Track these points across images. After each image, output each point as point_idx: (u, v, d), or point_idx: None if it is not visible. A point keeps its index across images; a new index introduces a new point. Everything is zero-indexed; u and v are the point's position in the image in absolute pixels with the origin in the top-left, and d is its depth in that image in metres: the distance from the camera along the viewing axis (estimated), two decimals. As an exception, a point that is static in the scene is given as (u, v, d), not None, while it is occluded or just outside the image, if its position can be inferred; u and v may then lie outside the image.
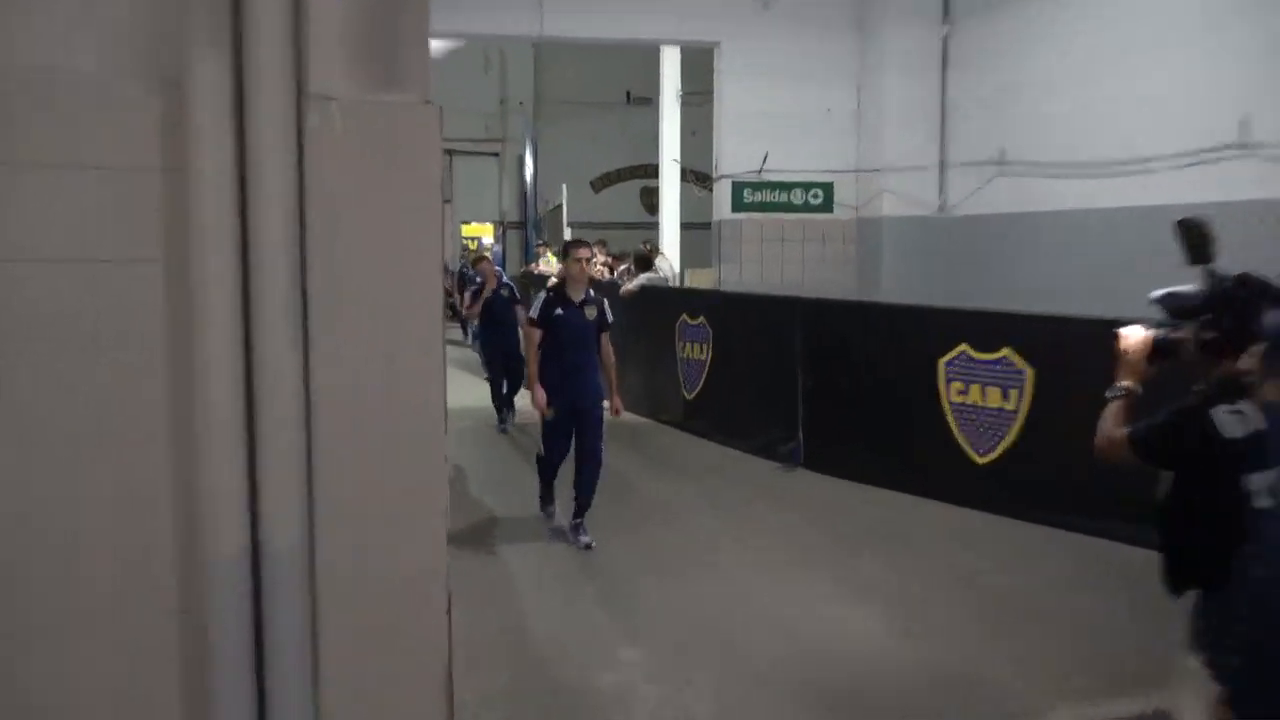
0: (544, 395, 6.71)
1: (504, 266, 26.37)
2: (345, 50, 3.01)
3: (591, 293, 7.11)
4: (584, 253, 6.99)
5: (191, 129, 2.81)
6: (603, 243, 15.49)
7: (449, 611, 3.39)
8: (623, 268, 13.23)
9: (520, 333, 8.65)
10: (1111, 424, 3.02)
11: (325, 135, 3.11)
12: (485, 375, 11.61)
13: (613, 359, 7.05)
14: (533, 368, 6.86)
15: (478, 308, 11.17)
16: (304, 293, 3.18)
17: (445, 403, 3.51)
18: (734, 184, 12.40)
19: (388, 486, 3.33)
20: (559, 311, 6.91)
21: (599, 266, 14.08)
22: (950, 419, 7.76)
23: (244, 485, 3.02)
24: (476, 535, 7.08)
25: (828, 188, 12.55)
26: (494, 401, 10.54)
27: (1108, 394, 3.03)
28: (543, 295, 7.07)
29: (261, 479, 3.03)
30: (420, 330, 3.36)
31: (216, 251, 2.89)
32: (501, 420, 10.27)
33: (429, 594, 3.27)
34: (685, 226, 14.47)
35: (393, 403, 3.32)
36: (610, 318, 7.06)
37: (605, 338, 7.02)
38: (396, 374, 3.30)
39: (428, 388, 3.37)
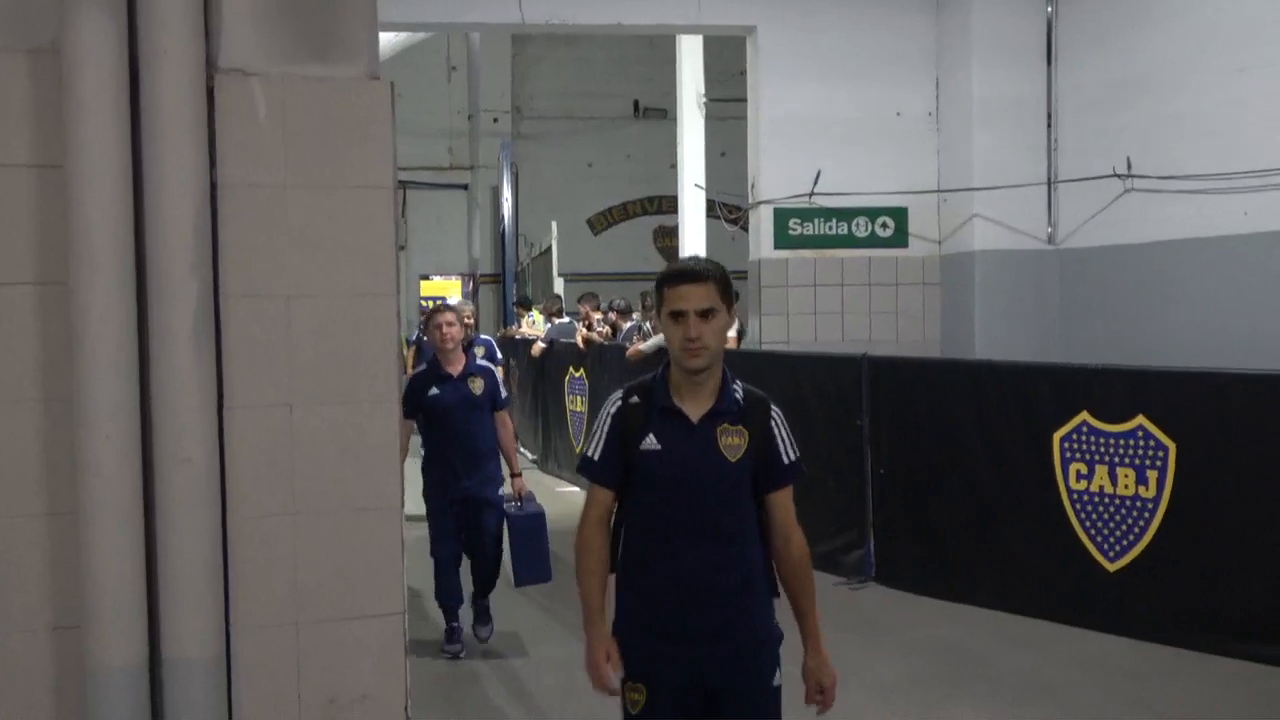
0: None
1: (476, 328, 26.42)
2: (266, 14, 3.15)
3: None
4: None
5: (71, 112, 2.94)
6: (593, 295, 15.66)
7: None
8: (630, 325, 13.35)
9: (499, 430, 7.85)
10: None
11: (241, 118, 3.24)
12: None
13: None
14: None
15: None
16: (217, 320, 3.28)
17: (401, 474, 3.59)
18: (776, 212, 12.55)
19: (330, 584, 3.40)
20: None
21: (596, 328, 14.25)
22: (1070, 512, 7.77)
23: (139, 574, 3.10)
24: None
25: (900, 215, 12.68)
26: (442, 594, 7.67)
27: None
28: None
29: (163, 568, 3.10)
30: (371, 373, 3.45)
31: (104, 270, 3.00)
32: (451, 635, 7.63)
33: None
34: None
35: (336, 469, 3.40)
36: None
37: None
38: (337, 434, 3.39)
39: (380, 452, 3.45)
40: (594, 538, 3.68)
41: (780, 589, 3.88)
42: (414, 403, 7.35)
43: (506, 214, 24.21)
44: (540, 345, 14.74)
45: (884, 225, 12.70)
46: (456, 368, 7.46)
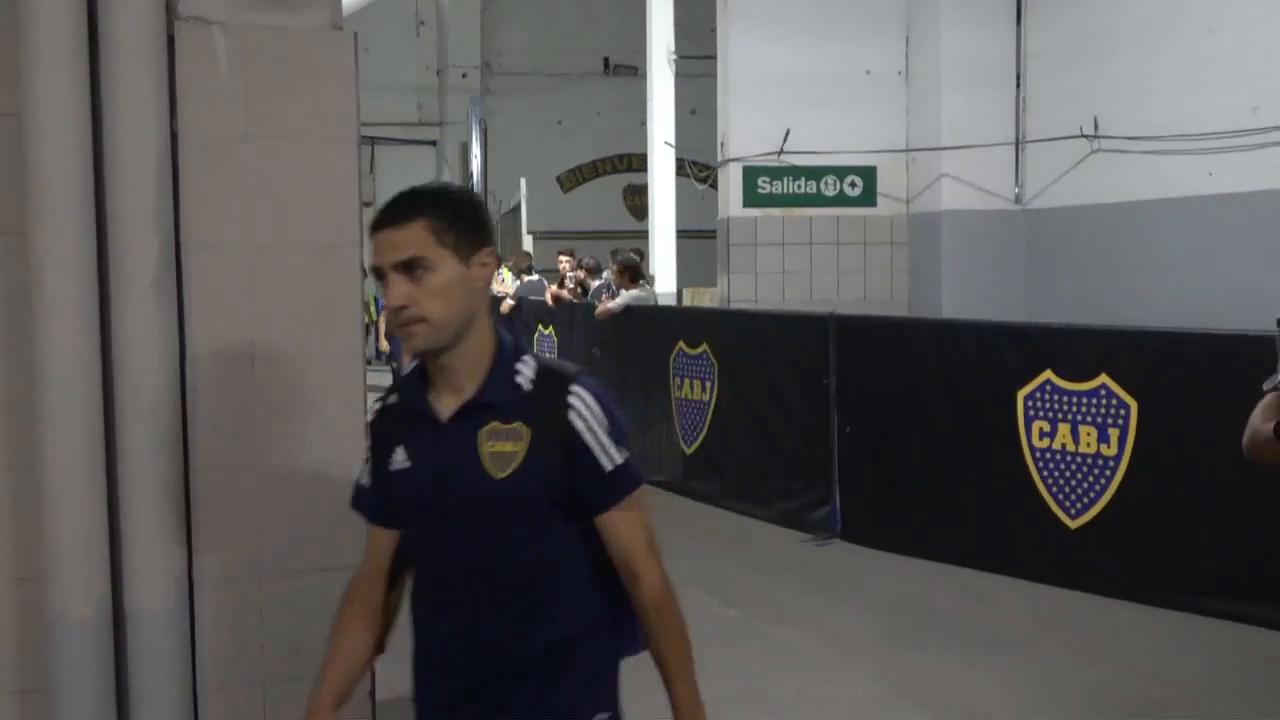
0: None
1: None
2: (229, -39, 3.12)
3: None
4: None
5: (28, 59, 2.90)
6: (570, 253, 15.64)
7: (372, 694, 3.44)
8: (599, 283, 13.33)
9: None
10: (1261, 418, 3.10)
11: (202, 66, 3.21)
12: None
13: None
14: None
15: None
16: (179, 271, 3.26)
17: (365, 426, 3.58)
18: (746, 170, 12.54)
19: (293, 536, 3.40)
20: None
21: (567, 285, 14.21)
22: (1033, 469, 7.82)
23: (102, 525, 3.09)
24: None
25: (869, 174, 12.69)
26: None
27: (1265, 385, 3.13)
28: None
29: (125, 520, 3.09)
30: (335, 326, 3.44)
31: (62, 219, 2.97)
32: None
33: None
34: (684, 234, 14.59)
35: (299, 421, 3.39)
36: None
37: None
38: (300, 386, 3.37)
39: (345, 396, 3.45)
40: (353, 589, 2.67)
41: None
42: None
43: (475, 171, 24.06)
44: (509, 303, 14.69)
45: (852, 184, 12.70)
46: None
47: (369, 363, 21.16)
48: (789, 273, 12.60)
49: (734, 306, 12.25)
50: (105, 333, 2.99)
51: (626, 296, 11.49)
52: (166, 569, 3.08)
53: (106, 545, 3.01)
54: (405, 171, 26.00)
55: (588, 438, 2.47)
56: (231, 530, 3.20)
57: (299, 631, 3.22)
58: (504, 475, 2.41)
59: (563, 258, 15.24)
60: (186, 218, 3.11)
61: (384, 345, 14.16)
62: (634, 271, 11.76)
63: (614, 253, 12.75)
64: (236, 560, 3.21)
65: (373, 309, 23.00)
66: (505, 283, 16.89)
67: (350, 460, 3.33)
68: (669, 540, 3.73)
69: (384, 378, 19.66)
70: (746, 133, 12.50)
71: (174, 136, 3.06)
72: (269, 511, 3.23)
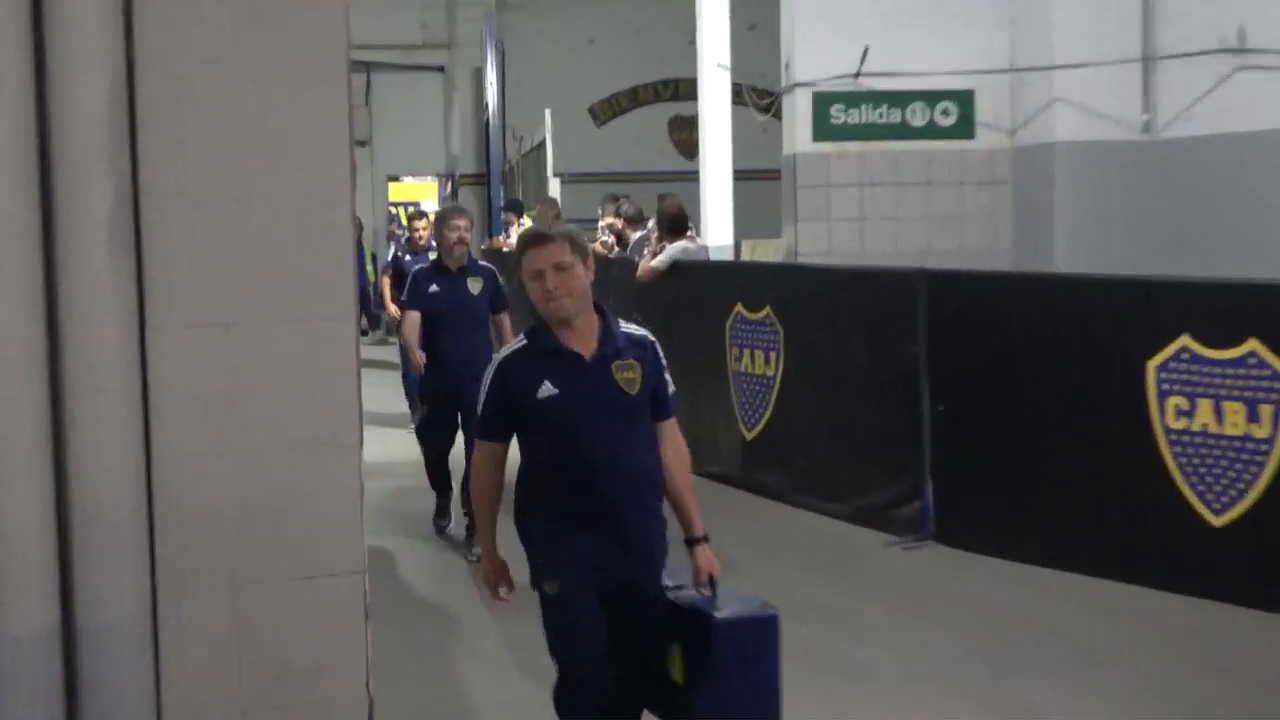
0: (422, 356, 9.27)
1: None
2: None
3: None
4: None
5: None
6: (614, 199, 15.62)
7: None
8: (640, 234, 13.33)
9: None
10: None
11: (163, -20, 3.24)
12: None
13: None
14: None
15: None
16: (137, 225, 3.30)
17: (359, 407, 3.63)
18: (816, 97, 12.50)
19: (276, 536, 3.45)
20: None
21: (602, 237, 14.21)
22: (1167, 456, 7.80)
23: (49, 523, 3.14)
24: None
25: (965, 99, 12.62)
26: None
27: None
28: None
29: (77, 517, 3.15)
30: (324, 289, 3.48)
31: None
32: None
33: (346, 676, 3.40)
34: (742, 175, 14.54)
35: (283, 401, 3.44)
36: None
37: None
38: (284, 359, 3.42)
39: (336, 382, 3.49)
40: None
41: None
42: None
43: (491, 102, 24.08)
44: (654, 266, 14.73)
45: (945, 112, 12.63)
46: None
47: (364, 334, 21.23)
48: (868, 219, 12.56)
49: (803, 261, 12.23)
50: (51, 297, 3.04)
51: (673, 250, 11.49)
52: (126, 574, 3.14)
53: (54, 547, 3.07)
54: (408, 105, 26.02)
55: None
56: (203, 528, 3.25)
57: (284, 651, 3.28)
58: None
59: (606, 213, 15.23)
60: (146, 162, 3.15)
61: (391, 310, 14.27)
62: (675, 222, 11.75)
63: (662, 198, 12.74)
64: (209, 564, 3.26)
65: (371, 268, 23.10)
66: (528, 237, 16.95)
67: (347, 443, 3.38)
68: (729, 543, 3.80)
69: (381, 353, 19.80)
70: (817, 52, 12.46)
71: (130, 66, 3.10)
72: (247, 506, 3.28)
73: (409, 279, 9.60)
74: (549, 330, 4.74)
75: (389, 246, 26.89)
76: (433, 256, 10.45)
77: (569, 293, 4.65)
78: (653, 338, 4.94)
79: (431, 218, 12.59)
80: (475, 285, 9.28)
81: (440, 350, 9.22)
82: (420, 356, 9.31)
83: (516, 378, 4.70)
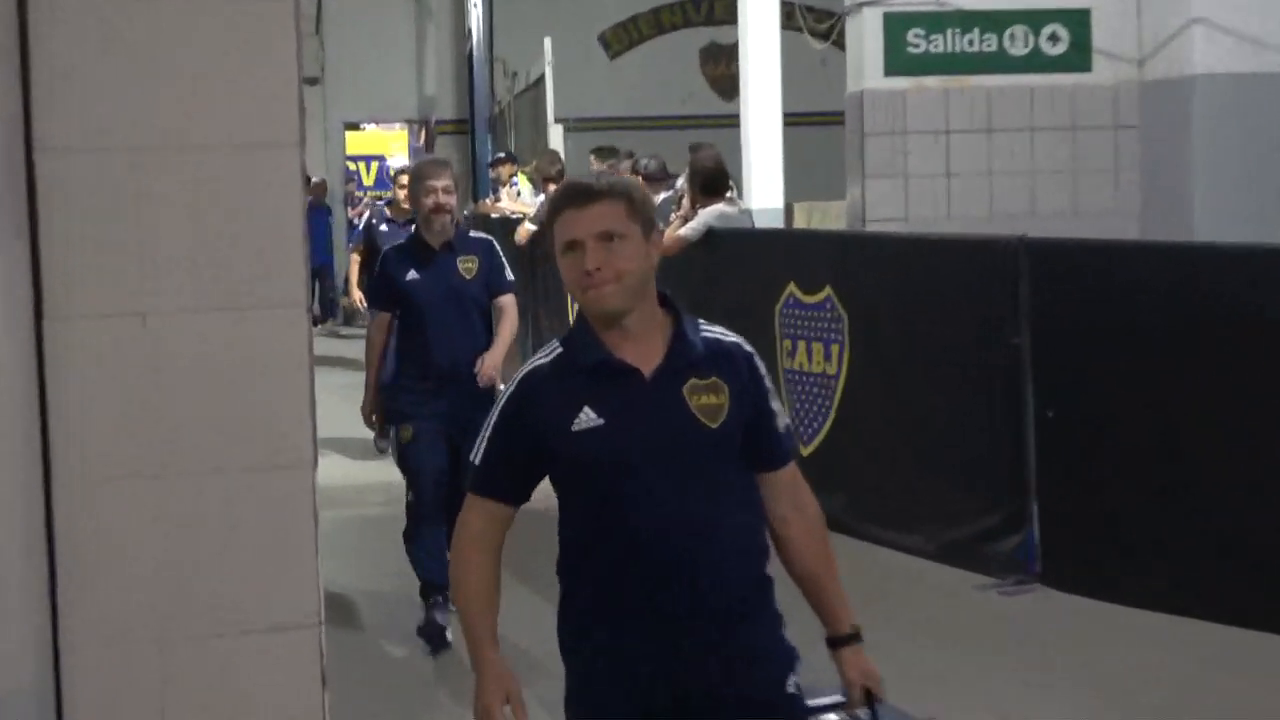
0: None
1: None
2: None
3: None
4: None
5: None
6: (629, 156, 15.62)
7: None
8: (665, 196, 13.34)
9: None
10: None
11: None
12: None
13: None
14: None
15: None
16: (31, 186, 3.30)
17: (313, 418, 3.64)
18: (888, 20, 12.50)
19: (210, 580, 3.45)
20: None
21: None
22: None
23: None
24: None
25: (1079, 21, 12.62)
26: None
27: None
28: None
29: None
30: (266, 266, 3.47)
31: None
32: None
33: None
34: (795, 120, 14.55)
35: (216, 410, 3.44)
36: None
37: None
38: (217, 358, 3.43)
39: (283, 386, 3.48)
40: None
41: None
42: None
43: (476, 30, 24.10)
44: (529, 227, 14.76)
45: (1053, 38, 12.63)
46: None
47: (317, 324, 21.31)
48: (956, 175, 12.58)
49: (872, 229, 12.24)
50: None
51: (707, 216, 11.50)
52: (18, 633, 3.16)
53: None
54: (373, 34, 25.96)
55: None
56: (118, 572, 3.27)
57: (222, 717, 3.29)
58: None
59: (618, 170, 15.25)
60: (38, 107, 3.16)
61: (355, 297, 14.19)
62: (710, 181, 11.74)
63: (694, 149, 12.70)
64: (127, 617, 3.28)
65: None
66: (522, 197, 16.98)
67: (297, 463, 3.39)
68: (779, 589, 3.86)
69: (339, 347, 19.82)
70: (887, -38, 12.46)
71: (19, -14, 3.12)
72: (173, 543, 3.30)
73: (378, 262, 9.41)
74: (591, 333, 4.16)
75: (347, 213, 26.93)
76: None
77: (618, 276, 4.03)
78: (749, 347, 4.34)
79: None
80: (468, 266, 8.96)
81: (423, 358, 8.86)
82: (376, 380, 9.17)
83: (542, 403, 4.15)
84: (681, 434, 4.08)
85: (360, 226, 15.72)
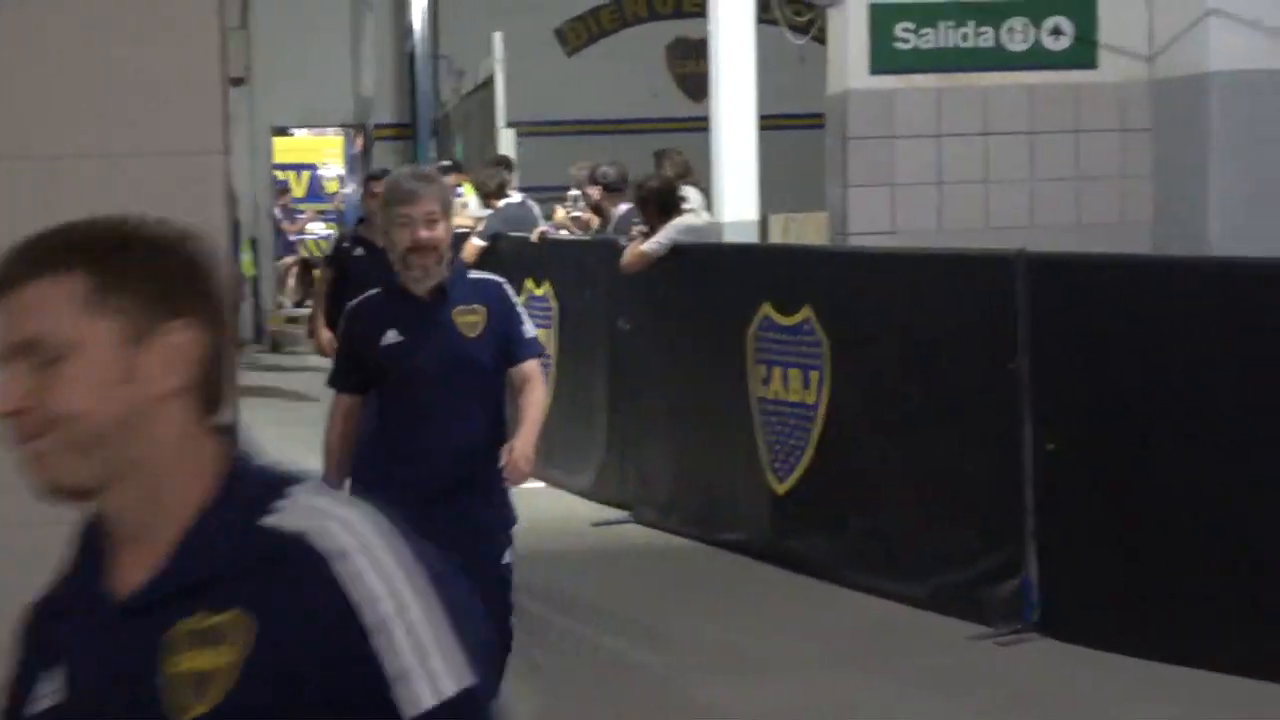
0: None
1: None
2: None
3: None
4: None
5: None
6: (592, 168, 15.62)
7: None
8: (627, 207, 13.33)
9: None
10: None
11: None
12: None
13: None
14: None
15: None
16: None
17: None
18: (874, 10, 12.50)
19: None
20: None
21: (569, 211, 14.24)
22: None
23: None
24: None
25: (1085, 11, 12.64)
26: None
27: None
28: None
29: None
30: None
31: None
32: None
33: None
34: (771, 123, 14.55)
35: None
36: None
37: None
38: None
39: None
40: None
41: None
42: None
43: (418, 24, 24.10)
44: (476, 243, 14.70)
45: (1056, 32, 12.66)
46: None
47: (243, 348, 21.10)
48: (949, 184, 12.57)
49: (856, 243, 12.24)
50: None
51: (671, 230, 11.49)
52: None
53: None
54: (304, 29, 25.86)
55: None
56: None
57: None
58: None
59: (579, 179, 15.23)
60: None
61: (324, 343, 11.44)
62: (665, 202, 11.74)
63: (659, 155, 12.69)
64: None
65: (249, 259, 23.05)
66: (469, 210, 16.93)
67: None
68: (757, 637, 3.81)
69: (269, 379, 19.78)
70: (874, -49, 12.49)
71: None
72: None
73: (343, 316, 7.24)
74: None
75: (275, 230, 26.86)
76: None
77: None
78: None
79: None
80: (469, 319, 6.81)
81: (410, 457, 6.81)
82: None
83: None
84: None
85: (333, 250, 13.15)
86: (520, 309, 7.21)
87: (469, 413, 6.87)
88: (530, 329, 7.13)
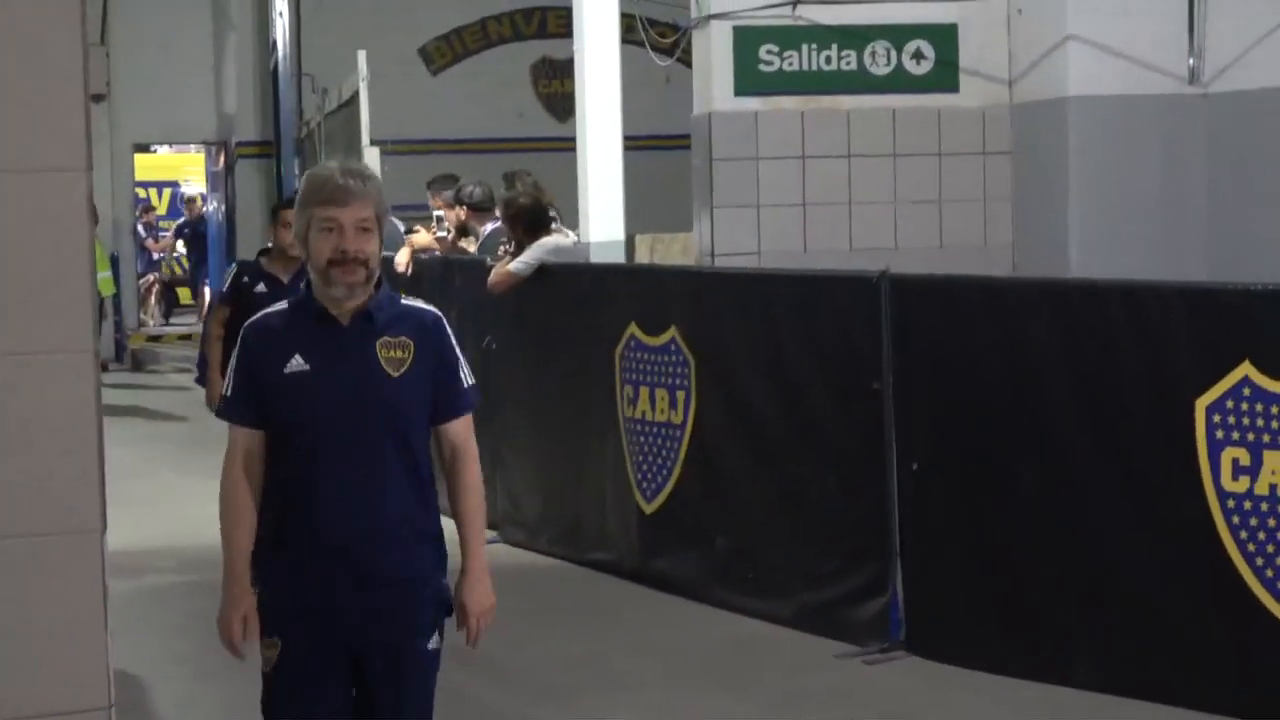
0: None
1: (228, 253, 25.55)
2: None
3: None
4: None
5: None
6: (449, 179, 15.58)
7: None
8: (493, 226, 13.32)
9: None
10: None
11: None
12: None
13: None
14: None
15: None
16: None
17: (101, 475, 3.58)
18: (739, 34, 12.53)
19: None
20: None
21: (434, 231, 14.21)
22: (1223, 529, 7.86)
23: None
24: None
25: (946, 36, 12.72)
26: None
27: None
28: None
29: None
30: (45, 306, 3.42)
31: None
32: None
33: None
34: (635, 144, 14.53)
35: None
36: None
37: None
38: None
39: (68, 440, 3.43)
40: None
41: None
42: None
43: (281, 41, 23.96)
44: (512, 271, 14.63)
45: (918, 55, 12.72)
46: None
47: (105, 367, 21.02)
48: (813, 205, 12.60)
49: (721, 264, 12.25)
50: None
51: (538, 250, 11.48)
52: None
53: None
54: (166, 45, 25.71)
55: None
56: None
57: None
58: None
59: (436, 201, 15.19)
60: None
61: (217, 394, 9.34)
62: (534, 221, 11.73)
63: (509, 176, 12.63)
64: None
65: (108, 277, 22.77)
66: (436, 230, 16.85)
67: (83, 528, 3.33)
68: (621, 660, 3.79)
69: (127, 397, 19.58)
70: (739, -29, 12.51)
71: None
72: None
73: (241, 333, 5.68)
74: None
75: (136, 250, 26.59)
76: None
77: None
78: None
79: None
80: (394, 354, 5.49)
81: (306, 514, 5.44)
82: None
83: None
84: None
85: (229, 282, 11.41)
86: (456, 349, 5.73)
87: (380, 464, 5.51)
88: (468, 374, 5.72)
